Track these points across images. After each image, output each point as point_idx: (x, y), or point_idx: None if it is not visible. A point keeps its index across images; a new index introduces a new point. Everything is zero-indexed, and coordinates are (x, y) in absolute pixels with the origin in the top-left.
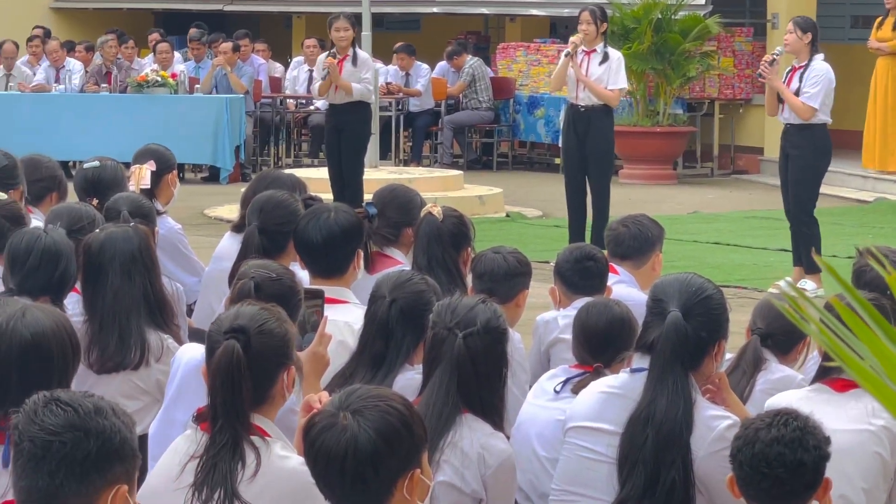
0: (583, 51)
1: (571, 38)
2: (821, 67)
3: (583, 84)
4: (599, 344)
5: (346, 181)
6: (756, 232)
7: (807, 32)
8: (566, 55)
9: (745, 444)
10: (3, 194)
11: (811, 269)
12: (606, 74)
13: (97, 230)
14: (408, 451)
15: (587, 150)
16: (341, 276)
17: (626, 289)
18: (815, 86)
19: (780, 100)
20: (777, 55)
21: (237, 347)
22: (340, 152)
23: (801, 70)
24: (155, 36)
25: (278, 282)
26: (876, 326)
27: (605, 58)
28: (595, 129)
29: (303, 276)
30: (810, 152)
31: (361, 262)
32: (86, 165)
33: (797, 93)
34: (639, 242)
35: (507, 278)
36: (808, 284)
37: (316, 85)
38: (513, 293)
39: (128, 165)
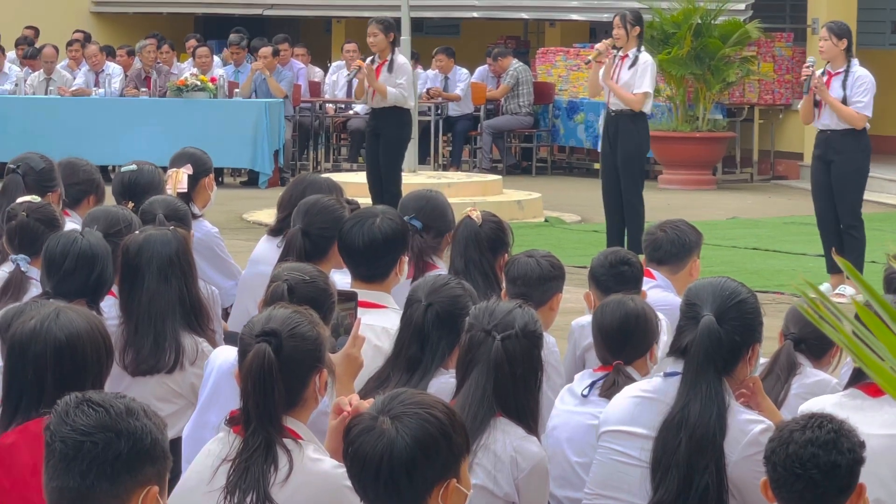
0: (619, 56)
1: (596, 45)
2: (865, 74)
3: (607, 86)
4: (616, 341)
5: (385, 186)
6: (795, 237)
7: (842, 39)
8: (586, 63)
9: (779, 445)
10: (37, 197)
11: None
12: (633, 79)
13: (136, 232)
14: (445, 461)
15: (618, 154)
16: (382, 281)
17: (661, 293)
18: (865, 94)
19: (816, 105)
20: (811, 64)
21: (269, 351)
22: (379, 157)
23: (842, 77)
24: (193, 41)
25: (311, 284)
26: None
27: (635, 62)
28: (623, 134)
29: (340, 279)
30: (857, 156)
31: (405, 268)
32: (123, 169)
33: (843, 100)
34: (677, 248)
35: (541, 282)
36: (847, 289)
37: (355, 89)
38: (546, 297)
39: (165, 170)
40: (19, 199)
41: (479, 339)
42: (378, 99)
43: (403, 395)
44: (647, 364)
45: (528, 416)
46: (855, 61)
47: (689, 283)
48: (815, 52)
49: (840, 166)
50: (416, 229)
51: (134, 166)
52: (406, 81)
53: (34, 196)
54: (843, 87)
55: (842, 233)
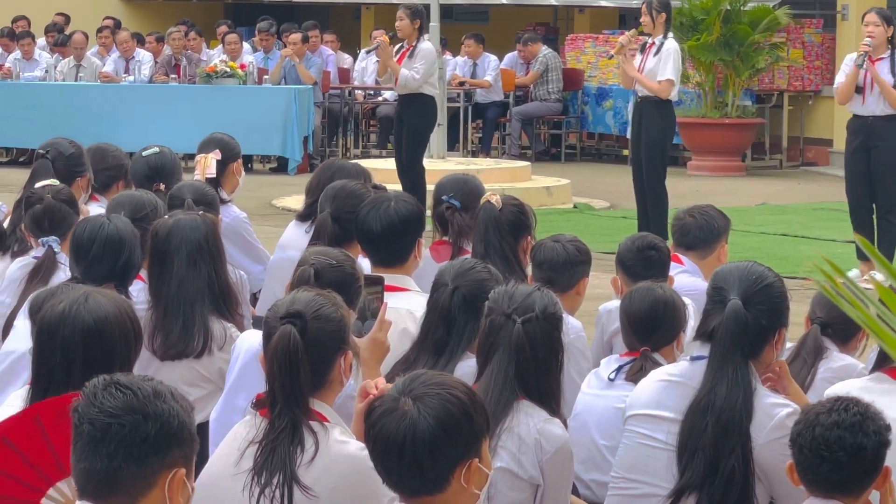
0: (631, 39)
1: (619, 38)
2: None
3: (629, 74)
4: (644, 328)
5: (406, 171)
6: (824, 224)
7: (891, 25)
8: (610, 57)
9: (805, 427)
10: (55, 181)
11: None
12: (657, 66)
13: (166, 217)
14: (467, 441)
15: (641, 140)
16: (402, 265)
17: (689, 278)
18: None
19: (859, 91)
20: (868, 46)
21: (294, 332)
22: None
23: (887, 63)
24: (223, 28)
25: (339, 268)
26: None
27: (660, 49)
28: (647, 119)
29: (367, 264)
30: None
31: (422, 251)
32: (145, 153)
33: (894, 86)
34: (705, 233)
35: (567, 267)
36: (877, 275)
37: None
38: (573, 281)
39: (194, 156)
40: (39, 184)
41: (500, 322)
42: (402, 84)
43: (424, 376)
44: (673, 352)
45: (551, 399)
46: None
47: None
48: (845, 38)
49: (883, 153)
50: (455, 208)
51: (156, 149)
52: (423, 67)
53: (53, 180)
54: (893, 72)
55: (878, 220)
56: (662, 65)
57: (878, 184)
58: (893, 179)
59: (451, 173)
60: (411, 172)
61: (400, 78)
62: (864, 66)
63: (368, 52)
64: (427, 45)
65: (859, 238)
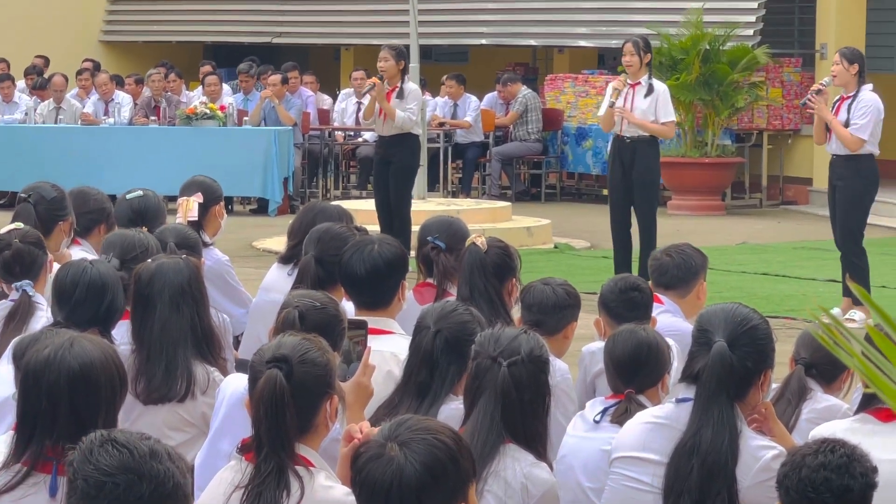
0: (628, 83)
1: (613, 85)
2: (869, 98)
3: (629, 121)
4: (628, 370)
5: (394, 213)
6: (805, 263)
7: (853, 63)
8: (610, 105)
9: (791, 469)
10: (20, 224)
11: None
12: (653, 108)
13: (149, 260)
14: (454, 486)
15: (633, 180)
16: (386, 307)
17: (671, 318)
18: (863, 117)
19: (829, 129)
20: (824, 85)
21: (280, 376)
22: (388, 184)
23: (850, 100)
24: (207, 68)
25: (322, 310)
26: None
27: (650, 90)
28: (640, 160)
29: (351, 308)
30: (857, 183)
31: (406, 294)
32: (129, 196)
33: (846, 124)
34: (683, 271)
35: (556, 310)
36: (856, 315)
37: (364, 109)
38: (561, 325)
39: (176, 198)
40: (4, 229)
41: (486, 366)
42: (388, 126)
43: (410, 421)
44: (658, 393)
45: (538, 442)
46: (867, 86)
47: (697, 306)
48: (824, 77)
49: (842, 192)
50: (440, 249)
51: (140, 192)
52: (416, 107)
53: (18, 223)
54: (848, 110)
55: (841, 259)
56: (663, 107)
57: (835, 222)
58: (849, 219)
59: (437, 215)
60: (400, 213)
61: (397, 119)
62: (810, 100)
63: (364, 94)
64: (413, 85)
65: (854, 286)
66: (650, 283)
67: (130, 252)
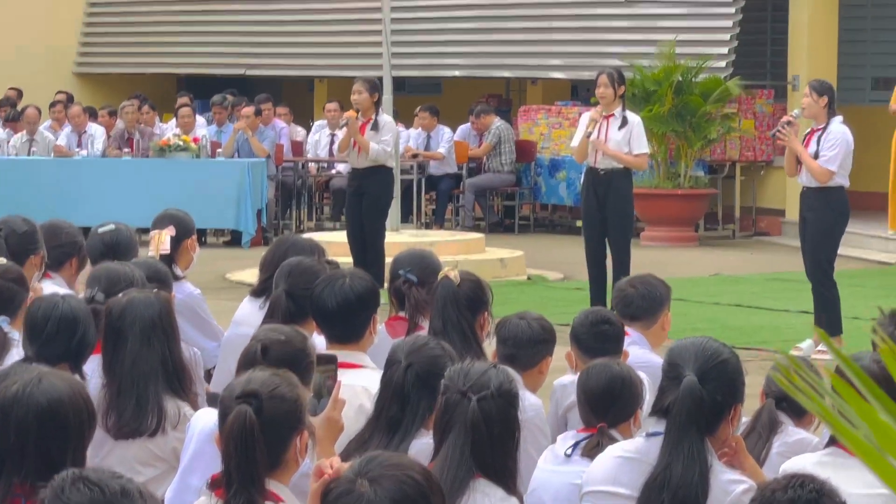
0: (602, 115)
1: (590, 115)
2: (838, 130)
3: (603, 152)
4: (601, 404)
5: (368, 245)
6: (778, 294)
7: (822, 96)
8: (586, 136)
9: None
10: (2, 259)
11: (832, 331)
12: (627, 139)
13: (120, 294)
14: None
15: (607, 212)
16: (357, 341)
17: (639, 350)
18: (832, 149)
19: (800, 161)
20: (794, 117)
21: (249, 412)
22: (361, 216)
23: (820, 133)
24: (185, 99)
25: (287, 343)
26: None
27: (624, 122)
28: (614, 191)
29: (321, 343)
30: (828, 215)
31: (378, 328)
32: (100, 230)
33: (815, 156)
34: (648, 302)
35: (531, 344)
36: (803, 344)
37: (338, 142)
38: (536, 359)
39: (149, 231)
40: None
41: (455, 400)
42: (362, 158)
43: (380, 457)
44: (630, 428)
45: (508, 477)
46: (836, 119)
47: (662, 337)
48: (795, 110)
49: (812, 224)
50: (412, 283)
51: (112, 226)
52: (391, 139)
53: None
54: (818, 142)
55: (812, 291)
56: (636, 139)
57: (806, 254)
58: (819, 251)
59: (409, 248)
60: (374, 245)
61: (371, 152)
62: (780, 132)
63: (340, 128)
64: (388, 117)
65: (819, 331)
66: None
67: (116, 286)
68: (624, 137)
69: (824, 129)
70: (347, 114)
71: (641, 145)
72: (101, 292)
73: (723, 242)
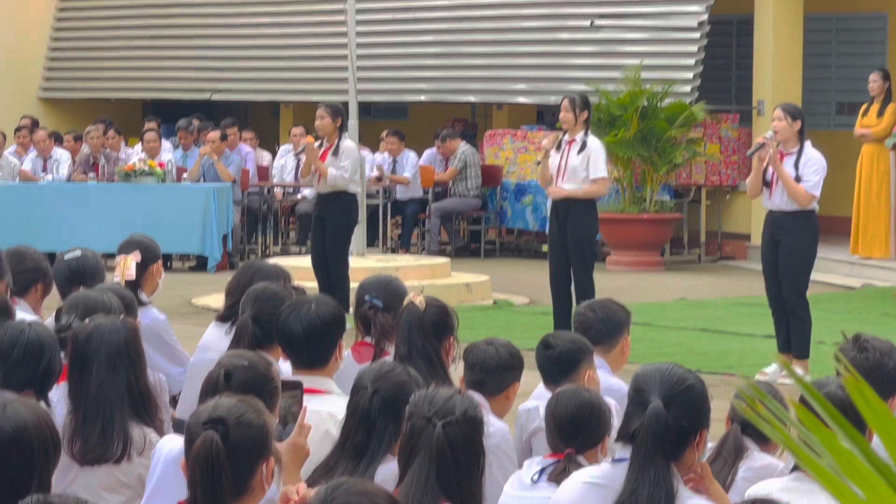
0: (566, 141)
1: (543, 143)
2: (817, 155)
3: (562, 180)
4: (570, 430)
5: (332, 270)
6: (743, 318)
7: (797, 120)
8: (536, 164)
9: None
10: None
11: (800, 354)
12: (585, 164)
13: (86, 321)
14: None
15: (567, 238)
16: (323, 367)
17: (603, 375)
18: (815, 174)
19: (766, 184)
20: (767, 139)
21: (216, 438)
22: (325, 241)
23: (794, 157)
24: (153, 124)
25: (250, 369)
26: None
27: (583, 147)
28: (575, 216)
29: (287, 368)
30: (806, 238)
31: (344, 353)
32: (67, 256)
33: (796, 179)
34: (608, 327)
35: (499, 370)
36: (769, 369)
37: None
38: (503, 385)
39: (114, 256)
40: None
41: (420, 426)
42: (324, 183)
43: (346, 484)
44: (598, 455)
45: (473, 502)
46: (808, 143)
47: (622, 360)
48: (761, 133)
49: (788, 247)
50: (378, 308)
51: (78, 252)
52: (350, 165)
53: None
54: (796, 167)
55: (788, 316)
56: (593, 163)
57: (783, 280)
58: (797, 273)
59: (375, 273)
60: (338, 270)
61: (329, 178)
62: (763, 154)
63: (298, 154)
64: (349, 143)
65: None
66: None
67: (92, 312)
68: (581, 162)
69: (799, 153)
70: (305, 140)
71: (599, 169)
72: (78, 319)
73: (688, 267)
